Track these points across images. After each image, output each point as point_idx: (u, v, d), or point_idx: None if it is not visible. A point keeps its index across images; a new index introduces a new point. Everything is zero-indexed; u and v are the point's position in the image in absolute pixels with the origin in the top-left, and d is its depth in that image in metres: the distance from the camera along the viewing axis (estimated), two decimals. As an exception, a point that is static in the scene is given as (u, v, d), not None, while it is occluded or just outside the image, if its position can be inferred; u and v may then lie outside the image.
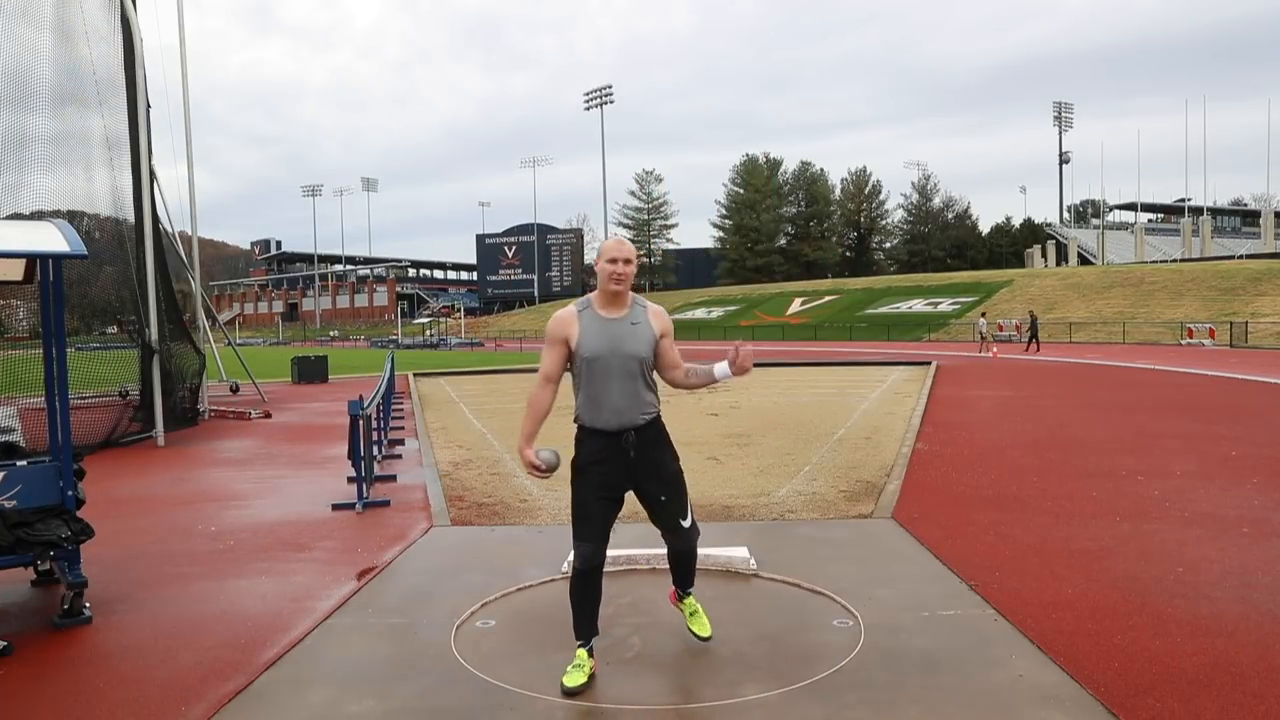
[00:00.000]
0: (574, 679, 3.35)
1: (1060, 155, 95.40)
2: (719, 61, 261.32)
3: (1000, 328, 44.23)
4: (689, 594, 3.75)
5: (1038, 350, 31.89)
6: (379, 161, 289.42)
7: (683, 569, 3.70)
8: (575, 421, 3.46)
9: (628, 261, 3.37)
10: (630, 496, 3.53)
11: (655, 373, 3.49)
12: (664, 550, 4.82)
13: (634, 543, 5.10)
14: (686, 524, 3.53)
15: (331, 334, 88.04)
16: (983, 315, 39.58)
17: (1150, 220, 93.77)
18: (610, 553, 4.65)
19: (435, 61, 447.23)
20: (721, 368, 3.40)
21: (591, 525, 3.40)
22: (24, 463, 4.43)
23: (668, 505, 3.48)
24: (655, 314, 3.48)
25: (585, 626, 3.48)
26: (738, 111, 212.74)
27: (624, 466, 3.40)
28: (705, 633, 3.70)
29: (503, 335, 72.08)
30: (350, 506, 6.76)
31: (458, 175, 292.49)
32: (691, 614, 3.74)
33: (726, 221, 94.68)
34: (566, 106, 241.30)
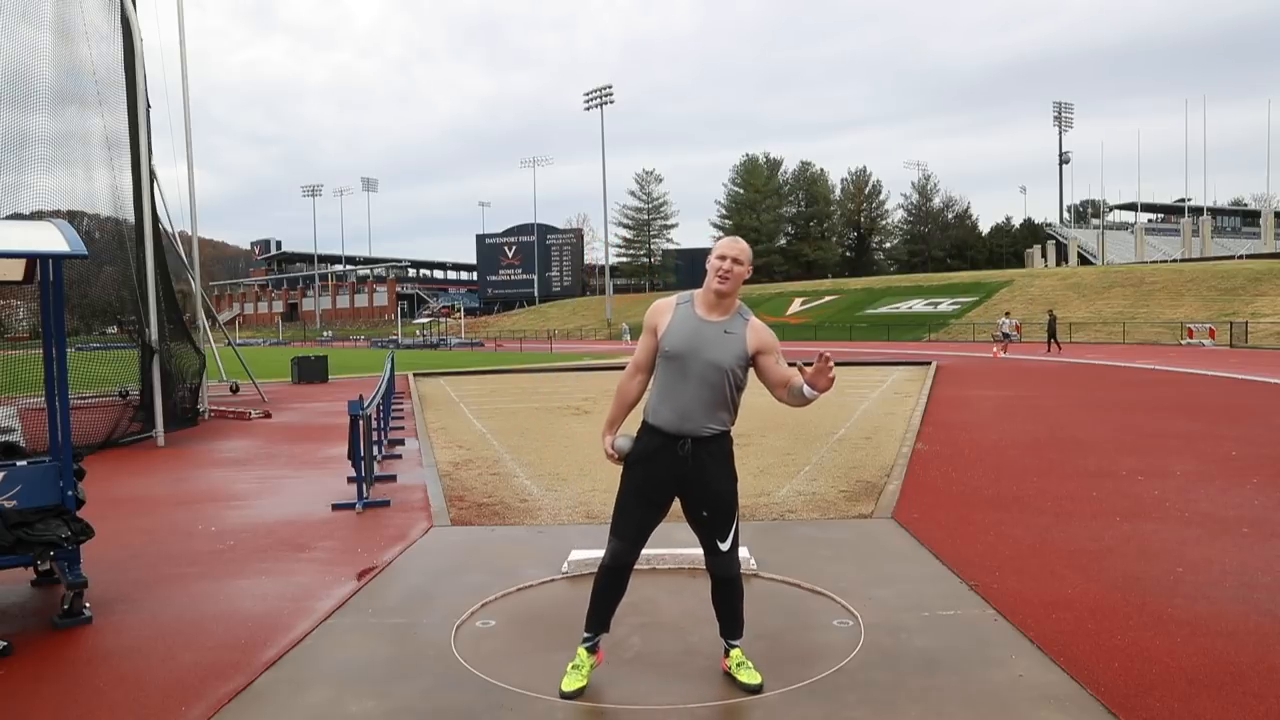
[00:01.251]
0: (571, 682, 3.31)
1: (1060, 155, 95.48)
2: (721, 61, 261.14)
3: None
4: (736, 646, 3.44)
5: (1056, 350, 30.74)
6: (380, 161, 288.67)
7: (727, 609, 3.41)
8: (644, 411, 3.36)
9: (737, 261, 3.20)
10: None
11: (741, 391, 3.31)
12: (665, 550, 4.88)
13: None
14: (725, 547, 3.32)
15: (324, 334, 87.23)
16: (1006, 315, 37.68)
17: (1150, 220, 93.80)
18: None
19: (437, 60, 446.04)
20: (809, 388, 3.14)
21: (628, 523, 3.32)
22: (24, 463, 4.43)
23: (708, 522, 3.30)
24: (755, 329, 3.28)
25: (597, 621, 3.41)
26: (739, 111, 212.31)
27: (672, 473, 3.26)
28: (755, 681, 3.32)
29: (503, 335, 72.10)
30: (350, 506, 6.76)
31: (458, 175, 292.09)
32: (738, 664, 3.38)
33: (726, 221, 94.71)
34: (568, 105, 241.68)
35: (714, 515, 3.31)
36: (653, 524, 3.37)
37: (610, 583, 3.38)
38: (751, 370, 3.35)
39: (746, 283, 3.35)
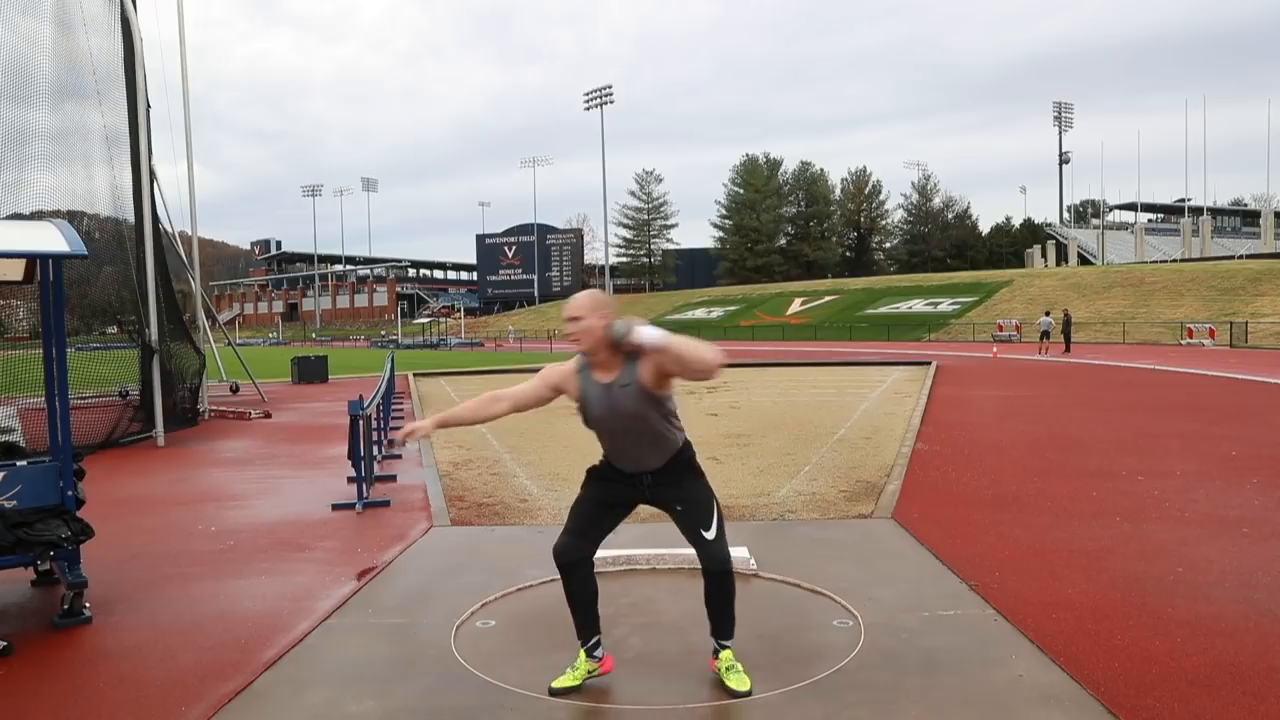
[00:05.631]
0: (561, 680, 3.33)
1: (1060, 155, 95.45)
2: (737, 56, 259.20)
3: (1000, 328, 44.25)
4: (727, 647, 3.38)
5: (1066, 351, 30.23)
6: (384, 158, 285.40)
7: (720, 606, 3.34)
8: None
9: (574, 319, 3.12)
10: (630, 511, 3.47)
11: (669, 406, 3.25)
12: (665, 550, 4.88)
13: (634, 543, 5.09)
14: (711, 535, 3.26)
15: (294, 334, 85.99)
16: (1047, 313, 35.87)
17: (1150, 220, 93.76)
18: (610, 553, 4.68)
19: (445, 55, 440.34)
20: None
21: (577, 519, 3.35)
22: (24, 463, 4.43)
23: (684, 514, 3.30)
24: (644, 366, 3.13)
25: (580, 627, 3.40)
26: (752, 107, 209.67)
27: (637, 494, 3.36)
28: (744, 687, 3.29)
29: (503, 335, 72.07)
30: (350, 506, 6.76)
31: (462, 173, 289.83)
32: (727, 668, 3.34)
33: (726, 221, 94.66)
34: (577, 102, 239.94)
35: (688, 507, 3.30)
36: (605, 525, 3.38)
37: (568, 583, 3.35)
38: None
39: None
